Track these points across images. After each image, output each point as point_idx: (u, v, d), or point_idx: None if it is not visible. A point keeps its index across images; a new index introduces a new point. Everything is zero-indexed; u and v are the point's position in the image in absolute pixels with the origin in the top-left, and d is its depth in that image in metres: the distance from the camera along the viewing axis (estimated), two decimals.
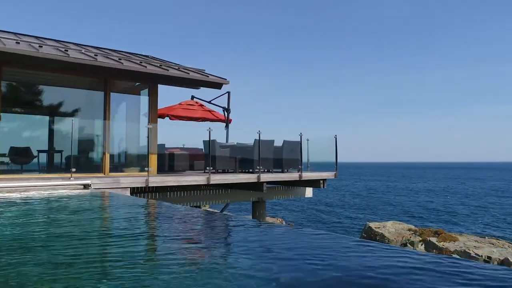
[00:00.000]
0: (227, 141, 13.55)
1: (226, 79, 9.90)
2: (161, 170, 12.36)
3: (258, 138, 10.01)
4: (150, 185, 8.12)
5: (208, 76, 9.69)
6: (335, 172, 11.55)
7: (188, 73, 9.42)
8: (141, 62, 9.44)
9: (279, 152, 10.97)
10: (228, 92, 13.69)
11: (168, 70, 9.15)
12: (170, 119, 13.17)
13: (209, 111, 14.10)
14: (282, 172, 10.89)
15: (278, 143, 11.67)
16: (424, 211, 30.26)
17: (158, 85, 10.90)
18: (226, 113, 13.64)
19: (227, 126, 13.63)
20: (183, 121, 13.76)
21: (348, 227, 22.28)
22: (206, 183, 8.90)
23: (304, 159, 11.27)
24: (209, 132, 9.06)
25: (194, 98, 14.51)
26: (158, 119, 13.60)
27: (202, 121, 13.51)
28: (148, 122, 10.01)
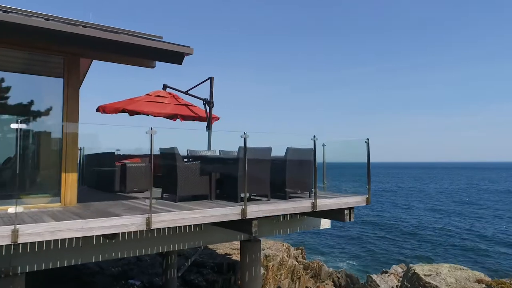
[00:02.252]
0: (209, 147, 9.42)
1: (189, 47, 5.77)
2: (108, 190, 8.32)
3: (243, 146, 5.85)
4: (20, 241, 4.02)
5: (156, 41, 5.56)
6: (366, 196, 7.33)
7: (118, 34, 5.30)
8: (47, 20, 5.36)
9: (279, 167, 6.79)
10: (210, 78, 9.56)
11: (84, 28, 5.07)
12: (130, 115, 9.12)
13: (186, 105, 10.01)
14: (285, 198, 6.71)
15: (279, 150, 7.57)
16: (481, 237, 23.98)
17: (89, 59, 6.91)
18: (207, 108, 9.52)
19: (209, 127, 9.49)
20: (159, 117, 9.71)
21: (380, 262, 17.95)
22: (144, 228, 4.78)
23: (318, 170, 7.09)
24: (151, 136, 4.90)
25: (167, 88, 10.46)
26: (115, 114, 9.59)
27: (174, 118, 9.40)
28: (63, 119, 5.91)
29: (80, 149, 10.97)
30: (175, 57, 5.80)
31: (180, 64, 5.95)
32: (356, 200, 7.16)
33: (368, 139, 7.35)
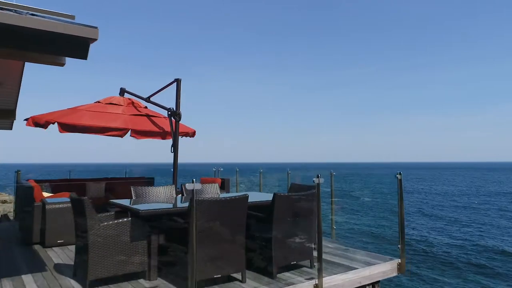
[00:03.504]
0: (174, 181, 6.90)
1: (95, 27, 3.26)
2: (25, 241, 5.85)
3: (193, 198, 3.30)
4: None
5: (36, 20, 3.04)
6: (398, 261, 4.76)
7: None
8: None
9: (262, 223, 4.23)
10: (177, 81, 7.00)
11: None
12: (61, 131, 6.56)
13: (147, 116, 7.46)
14: (271, 275, 4.13)
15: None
16: None
17: None
18: (172, 120, 6.97)
19: (175, 147, 6.91)
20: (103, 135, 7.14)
21: None
22: None
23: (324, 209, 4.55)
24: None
25: (125, 94, 7.93)
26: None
27: (122, 135, 6.82)
28: None
29: (16, 172, 8.50)
30: (73, 45, 3.26)
31: (85, 58, 3.41)
32: (383, 270, 4.59)
33: (400, 173, 4.79)
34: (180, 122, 7.45)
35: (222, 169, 11.58)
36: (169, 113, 6.90)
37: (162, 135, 7.24)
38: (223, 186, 8.29)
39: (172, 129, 6.87)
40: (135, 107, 7.62)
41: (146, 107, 7.90)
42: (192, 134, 8.15)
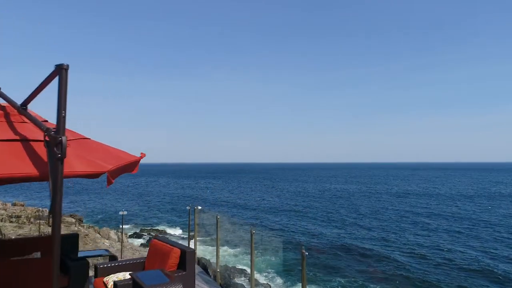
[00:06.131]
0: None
1: None
2: None
3: None
4: None
5: None
6: None
7: None
8: None
9: None
10: (60, 70, 3.39)
11: None
12: None
13: (22, 141, 3.92)
14: None
15: None
16: None
17: None
18: (48, 144, 3.36)
19: (53, 207, 3.29)
20: None
21: None
22: None
23: None
24: None
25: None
26: None
27: None
28: None
29: None
30: None
31: None
32: None
33: None
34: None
35: (200, 207, 8.01)
36: (45, 136, 3.29)
37: (42, 177, 3.63)
38: (183, 264, 4.60)
39: (51, 168, 3.24)
40: (9, 123, 4.04)
41: (26, 119, 4.31)
42: (135, 166, 4.54)
